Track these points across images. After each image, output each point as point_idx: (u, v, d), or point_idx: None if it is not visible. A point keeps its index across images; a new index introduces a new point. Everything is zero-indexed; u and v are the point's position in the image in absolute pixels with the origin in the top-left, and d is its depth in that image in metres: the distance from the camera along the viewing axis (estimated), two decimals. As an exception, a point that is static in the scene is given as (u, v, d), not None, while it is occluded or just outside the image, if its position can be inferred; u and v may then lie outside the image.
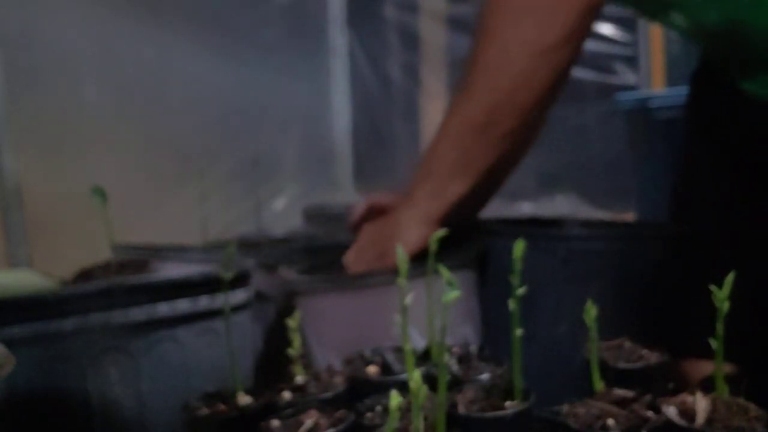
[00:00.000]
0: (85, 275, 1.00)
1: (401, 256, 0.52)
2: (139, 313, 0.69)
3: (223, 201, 1.65)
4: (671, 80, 1.90)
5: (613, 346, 0.70)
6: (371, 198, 0.98)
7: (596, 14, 0.79)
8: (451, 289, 0.48)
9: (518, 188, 1.79)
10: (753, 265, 0.76)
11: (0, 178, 1.27)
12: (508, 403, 0.58)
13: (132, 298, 0.69)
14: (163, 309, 0.70)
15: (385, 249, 0.86)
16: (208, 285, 0.73)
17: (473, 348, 0.76)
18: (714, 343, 0.54)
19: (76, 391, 0.66)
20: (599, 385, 0.60)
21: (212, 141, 1.71)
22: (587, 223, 1.04)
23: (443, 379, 0.51)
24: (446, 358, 0.51)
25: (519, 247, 0.57)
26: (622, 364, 0.66)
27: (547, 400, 0.60)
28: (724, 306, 0.53)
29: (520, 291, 0.56)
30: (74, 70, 1.41)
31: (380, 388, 0.63)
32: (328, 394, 0.67)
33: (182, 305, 0.72)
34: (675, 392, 0.58)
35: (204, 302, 0.73)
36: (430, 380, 0.53)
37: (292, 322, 0.70)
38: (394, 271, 0.53)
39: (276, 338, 0.86)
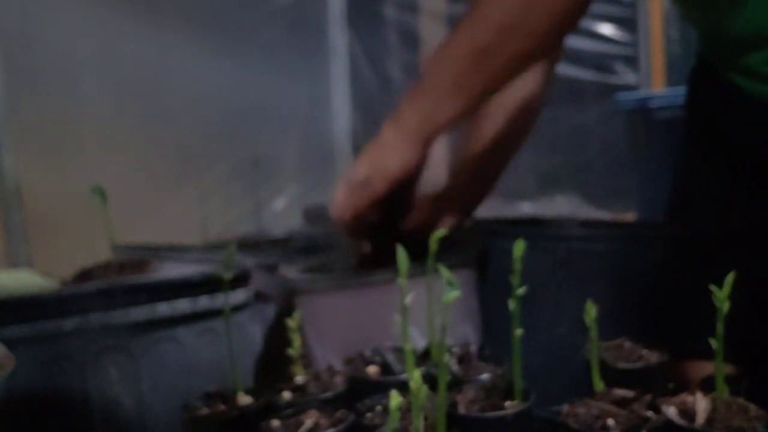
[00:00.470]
0: (85, 275, 1.00)
1: (401, 255, 0.52)
2: (139, 313, 0.69)
3: (223, 201, 1.65)
4: (671, 80, 1.90)
5: (613, 346, 0.70)
6: None
7: None
8: (451, 289, 0.48)
9: (518, 188, 1.79)
10: (752, 264, 0.76)
11: (0, 178, 1.27)
12: (508, 403, 0.58)
13: (132, 298, 0.69)
14: (163, 309, 0.70)
15: (370, 173, 0.81)
16: (208, 285, 0.73)
17: (473, 348, 0.76)
18: (714, 344, 0.54)
19: (76, 391, 0.66)
20: (599, 385, 0.60)
21: (212, 141, 1.71)
22: (587, 223, 1.04)
23: (443, 379, 0.51)
24: (446, 358, 0.51)
25: (519, 247, 0.57)
26: (622, 364, 0.66)
27: (547, 400, 0.60)
28: (724, 306, 0.53)
29: (520, 291, 0.56)
30: (74, 70, 1.41)
31: (380, 388, 0.63)
32: (328, 394, 0.67)
33: (182, 305, 0.72)
34: (675, 392, 0.58)
35: (204, 302, 0.73)
36: (430, 380, 0.53)
37: (292, 322, 0.70)
38: (394, 270, 0.53)
39: (276, 338, 0.86)
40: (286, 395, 0.68)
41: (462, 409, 0.58)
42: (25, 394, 0.63)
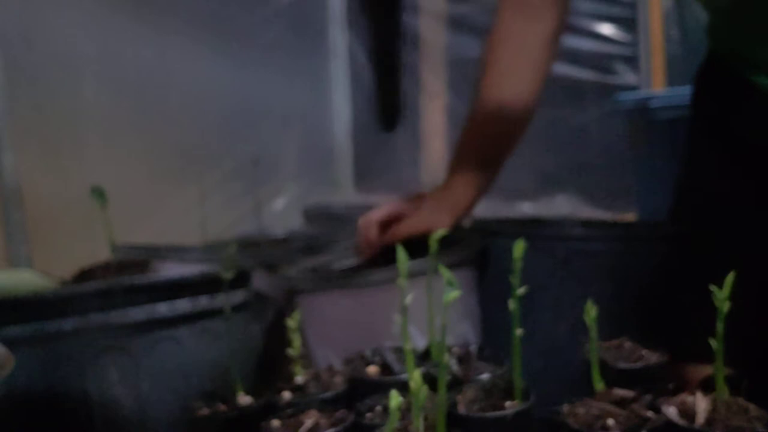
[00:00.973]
0: (85, 275, 1.00)
1: (401, 255, 0.52)
2: (139, 313, 0.69)
3: (223, 201, 1.65)
4: (671, 80, 1.90)
5: (613, 346, 0.70)
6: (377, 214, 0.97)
7: None
8: (452, 289, 0.48)
9: (518, 188, 1.79)
10: (756, 264, 0.75)
11: (0, 178, 1.27)
12: (508, 403, 0.58)
13: (132, 298, 0.69)
14: (163, 309, 0.70)
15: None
16: (208, 285, 0.73)
17: (473, 348, 0.76)
18: (714, 344, 0.54)
19: (76, 391, 0.66)
20: (599, 385, 0.60)
21: (212, 141, 1.71)
22: (587, 223, 1.04)
23: (443, 379, 0.51)
24: (446, 358, 0.51)
25: (519, 247, 0.57)
26: (622, 364, 0.66)
27: (547, 400, 0.60)
28: (724, 306, 0.53)
29: (520, 291, 0.56)
30: (74, 70, 1.41)
31: (380, 388, 0.63)
32: (328, 394, 0.67)
33: (182, 305, 0.72)
34: (675, 392, 0.58)
35: (204, 302, 0.73)
36: (430, 380, 0.53)
37: (292, 322, 0.70)
38: (394, 270, 0.53)
39: (276, 338, 0.86)
40: (286, 395, 0.68)
41: (462, 409, 0.58)
42: (25, 394, 0.64)
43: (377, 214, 0.94)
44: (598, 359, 0.60)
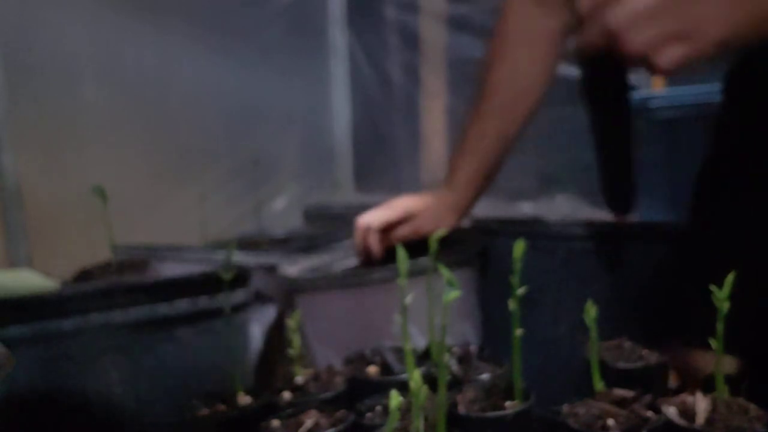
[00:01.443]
0: (85, 275, 1.00)
1: (401, 255, 0.52)
2: (139, 313, 0.69)
3: (223, 201, 1.65)
4: (671, 80, 1.89)
5: (613, 346, 0.70)
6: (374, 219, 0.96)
7: None
8: (452, 289, 0.48)
9: (518, 188, 1.79)
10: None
11: (0, 178, 1.27)
12: (508, 403, 0.58)
13: (132, 298, 0.69)
14: (163, 309, 0.70)
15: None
16: (208, 285, 0.73)
17: (473, 348, 0.76)
18: (714, 343, 0.54)
19: (76, 391, 0.66)
20: (599, 385, 0.60)
21: (212, 141, 1.71)
22: (587, 223, 1.04)
23: (443, 379, 0.51)
24: (446, 358, 0.51)
25: (519, 247, 0.57)
26: (622, 364, 0.66)
27: (547, 400, 0.60)
28: (724, 306, 0.53)
29: (520, 291, 0.56)
30: (74, 70, 1.41)
31: (380, 388, 0.63)
32: (328, 394, 0.67)
33: (182, 305, 0.72)
34: (675, 392, 0.58)
35: (204, 302, 0.73)
36: (430, 380, 0.53)
37: (292, 322, 0.70)
38: (394, 270, 0.53)
39: (276, 338, 0.86)
40: (286, 395, 0.68)
41: (462, 409, 0.58)
42: (25, 394, 0.63)
43: (376, 221, 0.94)
44: (598, 359, 0.60)
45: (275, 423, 0.61)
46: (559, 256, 0.85)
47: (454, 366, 0.70)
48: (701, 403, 0.54)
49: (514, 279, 0.56)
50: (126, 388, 0.68)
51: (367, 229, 0.93)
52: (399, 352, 0.73)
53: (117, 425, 0.68)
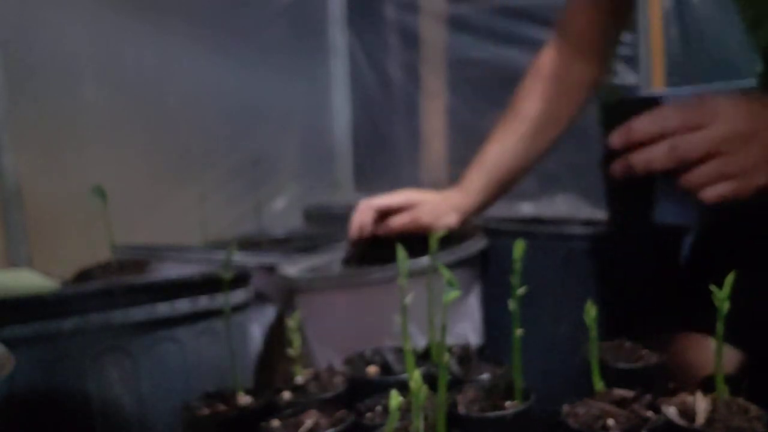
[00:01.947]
0: (85, 275, 1.00)
1: (401, 254, 0.52)
2: (139, 313, 0.69)
3: (223, 201, 1.65)
4: (671, 80, 1.89)
5: (613, 346, 0.70)
6: (372, 205, 0.96)
7: None
8: (452, 289, 0.48)
9: (518, 188, 1.79)
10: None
11: (0, 178, 1.27)
12: (508, 403, 0.58)
13: (132, 298, 0.69)
14: (163, 309, 0.70)
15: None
16: (208, 285, 0.73)
17: (473, 348, 0.76)
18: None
19: (76, 391, 0.66)
20: (599, 385, 0.60)
21: (212, 141, 1.71)
22: (587, 223, 1.04)
23: (443, 379, 0.51)
24: (446, 358, 0.51)
25: (519, 247, 0.57)
26: (622, 364, 0.66)
27: (547, 400, 0.60)
28: (724, 306, 0.53)
29: (520, 291, 0.56)
30: (74, 70, 1.41)
31: (380, 388, 0.63)
32: (328, 394, 0.67)
33: (182, 305, 0.72)
34: (675, 392, 0.58)
35: (204, 302, 0.73)
36: (430, 380, 0.53)
37: (292, 322, 0.70)
38: (394, 270, 0.53)
39: (276, 338, 0.86)
40: (286, 395, 0.68)
41: (462, 409, 0.58)
42: (25, 394, 0.64)
43: (378, 201, 0.94)
44: (598, 359, 0.60)
45: (275, 423, 0.61)
46: (559, 256, 0.85)
47: (454, 366, 0.70)
48: (701, 403, 0.54)
49: (514, 279, 0.56)
50: (126, 388, 0.68)
51: (367, 208, 0.94)
52: (399, 352, 0.73)
53: (117, 425, 0.68)
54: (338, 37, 2.09)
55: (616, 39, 0.99)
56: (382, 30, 2.08)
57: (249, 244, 1.25)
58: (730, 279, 0.53)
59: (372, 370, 0.72)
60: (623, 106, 0.72)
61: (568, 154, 1.91)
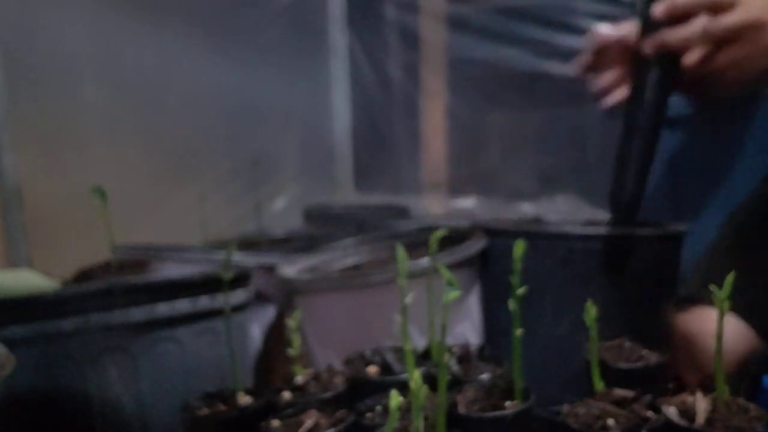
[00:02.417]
0: (85, 275, 1.00)
1: (401, 255, 0.52)
2: (139, 313, 0.69)
3: (223, 201, 1.65)
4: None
5: (613, 346, 0.70)
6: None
7: None
8: (452, 289, 0.48)
9: (518, 188, 1.79)
10: None
11: (0, 178, 1.27)
12: (508, 403, 0.58)
13: (132, 298, 0.69)
14: (163, 309, 0.70)
15: None
16: (208, 285, 0.73)
17: (473, 348, 0.76)
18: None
19: (76, 391, 0.66)
20: (599, 385, 0.60)
21: (212, 141, 1.71)
22: (587, 223, 1.04)
23: (443, 379, 0.51)
24: (446, 358, 0.51)
25: (519, 247, 0.57)
26: (622, 364, 0.66)
27: (547, 400, 0.60)
28: (724, 306, 0.53)
29: (520, 291, 0.56)
30: (74, 70, 1.41)
31: (380, 388, 0.63)
32: (328, 394, 0.67)
33: (182, 305, 0.72)
34: (675, 392, 0.58)
35: (204, 302, 0.73)
36: (430, 380, 0.53)
37: (292, 322, 0.70)
38: (394, 270, 0.53)
39: (276, 338, 0.86)
40: (286, 395, 0.68)
41: (462, 409, 0.58)
42: (25, 394, 0.64)
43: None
44: (598, 359, 0.60)
45: (275, 423, 0.61)
46: (559, 256, 0.85)
47: (454, 366, 0.70)
48: (701, 403, 0.54)
49: (514, 279, 0.56)
50: (126, 388, 0.68)
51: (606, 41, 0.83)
52: (399, 352, 0.73)
53: (117, 425, 0.68)
54: (338, 37, 2.09)
55: None
56: (382, 30, 2.08)
57: (249, 244, 1.25)
58: (730, 279, 0.53)
59: (372, 370, 0.72)
60: None
61: (568, 154, 1.91)
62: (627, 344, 0.71)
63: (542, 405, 0.59)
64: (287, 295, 0.90)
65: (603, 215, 0.91)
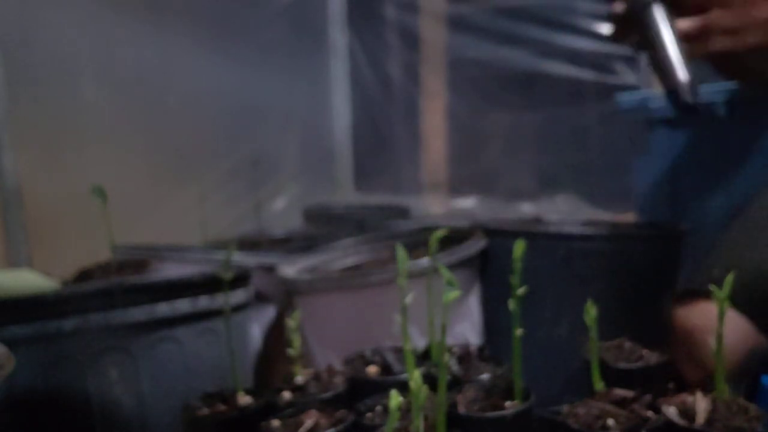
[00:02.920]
0: (85, 275, 1.00)
1: (401, 255, 0.52)
2: (139, 313, 0.69)
3: (223, 201, 1.65)
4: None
5: (613, 346, 0.70)
6: None
7: None
8: (452, 288, 0.48)
9: (518, 188, 1.79)
10: None
11: (0, 178, 1.27)
12: (508, 403, 0.58)
13: (132, 298, 0.69)
14: (163, 309, 0.70)
15: None
16: (208, 285, 0.73)
17: (473, 348, 0.76)
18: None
19: (76, 391, 0.66)
20: (599, 385, 0.60)
21: (212, 141, 1.71)
22: (587, 223, 1.04)
23: (443, 379, 0.51)
24: (446, 358, 0.51)
25: (519, 247, 0.57)
26: (622, 364, 0.66)
27: (547, 400, 0.60)
28: (724, 306, 0.53)
29: (520, 291, 0.56)
30: (74, 70, 1.41)
31: (380, 388, 0.63)
32: (328, 394, 0.67)
33: (182, 305, 0.72)
34: (675, 392, 0.58)
35: (204, 302, 0.73)
36: (430, 380, 0.53)
37: (292, 322, 0.70)
38: (394, 270, 0.53)
39: (276, 338, 0.86)
40: (286, 395, 0.68)
41: (462, 409, 0.58)
42: (25, 394, 0.63)
43: None
44: (598, 359, 0.60)
45: (275, 423, 0.61)
46: (559, 256, 0.85)
47: (454, 366, 0.70)
48: (701, 403, 0.54)
49: (514, 279, 0.56)
50: (126, 388, 0.68)
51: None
52: (399, 352, 0.73)
53: (117, 425, 0.68)
54: (338, 37, 2.09)
55: None
56: (382, 30, 2.08)
57: (249, 244, 1.25)
58: (730, 278, 0.53)
59: (372, 370, 0.72)
60: None
61: (568, 154, 1.92)
62: (627, 344, 0.71)
63: (542, 405, 0.59)
64: (287, 295, 0.90)
65: (603, 215, 0.91)
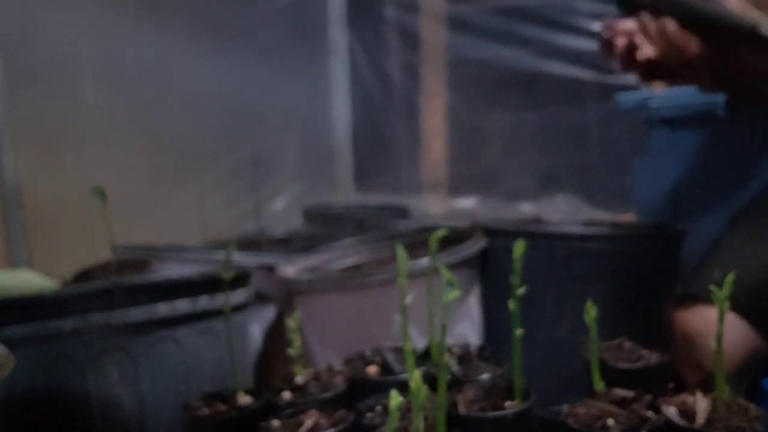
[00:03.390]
0: (85, 275, 1.00)
1: (401, 255, 0.52)
2: (139, 313, 0.69)
3: (223, 201, 1.65)
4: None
5: (613, 346, 0.70)
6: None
7: None
8: (452, 288, 0.48)
9: (518, 188, 1.79)
10: None
11: (0, 178, 1.27)
12: (508, 403, 0.58)
13: (132, 298, 0.69)
14: (163, 309, 0.70)
15: None
16: (208, 285, 0.73)
17: (473, 348, 0.76)
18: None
19: (76, 391, 0.66)
20: (599, 385, 0.60)
21: (212, 141, 1.71)
22: (587, 223, 1.04)
23: (443, 379, 0.51)
24: (446, 358, 0.51)
25: (519, 247, 0.57)
26: (622, 364, 0.66)
27: (547, 400, 0.60)
28: (724, 306, 0.53)
29: (520, 291, 0.56)
30: (74, 70, 1.41)
31: (380, 388, 0.63)
32: (328, 394, 0.67)
33: (182, 305, 0.72)
34: (675, 392, 0.58)
35: (204, 302, 0.73)
36: (430, 380, 0.53)
37: (292, 322, 0.70)
38: (393, 270, 0.53)
39: (276, 338, 0.86)
40: (286, 395, 0.68)
41: (462, 409, 0.58)
42: (25, 394, 0.64)
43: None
44: (598, 359, 0.60)
45: (275, 423, 0.61)
46: (559, 256, 0.85)
47: (454, 366, 0.70)
48: (701, 403, 0.54)
49: (514, 279, 0.56)
50: (126, 388, 0.68)
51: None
52: (399, 352, 0.73)
53: (117, 425, 0.68)
54: (338, 37, 2.09)
55: None
56: (382, 30, 2.08)
57: (249, 244, 1.25)
58: (729, 279, 0.53)
59: (372, 370, 0.72)
60: None
61: (568, 154, 1.91)
62: (627, 344, 0.71)
63: (542, 405, 0.59)
64: (287, 295, 0.90)
65: (603, 215, 0.91)
